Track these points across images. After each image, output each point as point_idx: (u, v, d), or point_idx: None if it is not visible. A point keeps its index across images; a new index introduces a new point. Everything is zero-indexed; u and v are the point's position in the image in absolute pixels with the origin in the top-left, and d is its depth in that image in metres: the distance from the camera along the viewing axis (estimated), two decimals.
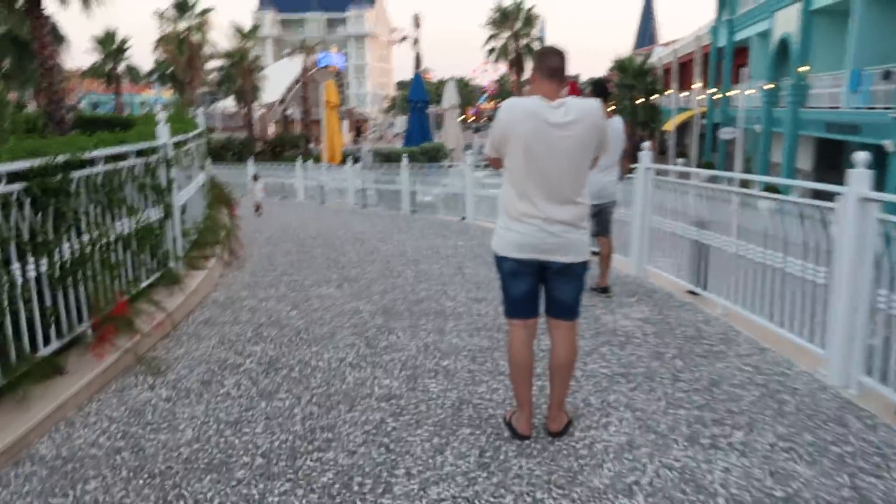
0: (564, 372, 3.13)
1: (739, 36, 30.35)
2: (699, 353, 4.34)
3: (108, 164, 4.24)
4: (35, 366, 3.33)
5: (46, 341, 3.51)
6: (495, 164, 3.11)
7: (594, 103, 2.96)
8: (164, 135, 5.33)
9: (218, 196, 8.90)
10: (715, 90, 33.17)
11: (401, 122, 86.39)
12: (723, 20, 31.97)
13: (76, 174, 3.82)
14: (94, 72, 34.63)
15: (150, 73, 39.09)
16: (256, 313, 5.17)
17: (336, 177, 19.14)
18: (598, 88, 5.83)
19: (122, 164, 4.44)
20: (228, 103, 49.88)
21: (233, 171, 23.73)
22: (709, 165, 32.20)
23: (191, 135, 6.65)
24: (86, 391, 3.49)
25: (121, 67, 35.44)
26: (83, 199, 3.91)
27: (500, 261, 3.07)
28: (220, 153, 33.08)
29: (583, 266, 3.06)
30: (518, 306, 3.09)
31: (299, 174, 20.11)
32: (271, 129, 50.03)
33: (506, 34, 31.68)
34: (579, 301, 3.13)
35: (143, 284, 4.74)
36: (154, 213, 5.01)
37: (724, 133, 28.33)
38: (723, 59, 31.73)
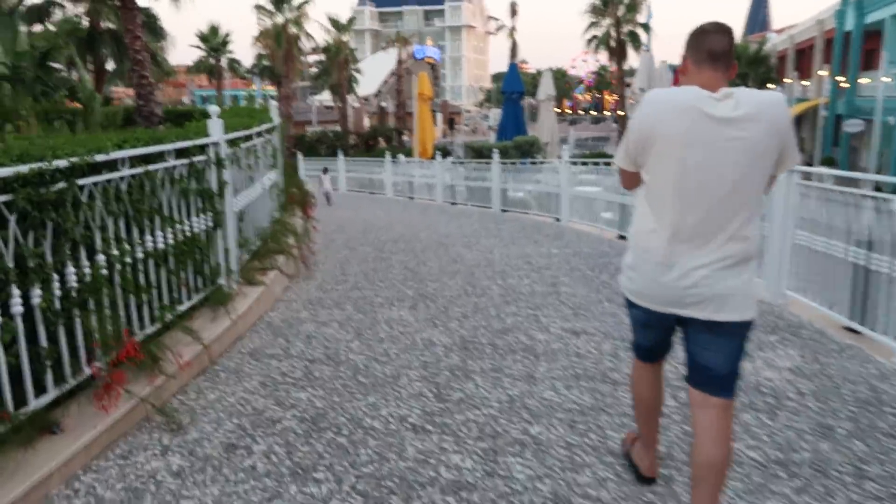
0: (714, 476, 2.20)
1: (871, 18, 27.18)
2: (885, 429, 3.17)
3: (135, 166, 3.56)
4: (19, 424, 2.66)
5: (41, 390, 2.85)
6: (630, 181, 2.33)
7: (777, 96, 2.10)
8: (216, 131, 4.64)
9: (293, 196, 8.29)
10: (841, 78, 30.04)
11: (494, 115, 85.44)
12: (851, 1, 28.79)
13: (88, 181, 3.14)
14: (198, 67, 35.74)
15: (252, 68, 40.02)
16: (312, 343, 4.39)
17: (425, 172, 18.44)
18: None
19: (156, 166, 3.76)
20: (325, 97, 50.57)
21: (320, 164, 23.57)
22: (829, 161, 29.21)
23: (255, 130, 5.99)
24: (82, 456, 2.79)
25: (223, 62, 36.43)
26: (98, 210, 3.23)
27: (629, 304, 2.40)
28: (314, 146, 33.35)
29: (747, 325, 2.17)
30: (646, 353, 2.54)
31: (388, 169, 19.56)
32: (366, 122, 50.31)
33: (607, 21, 29.90)
34: (738, 371, 2.23)
35: (183, 307, 4.06)
36: (200, 223, 4.33)
37: (850, 125, 25.47)
38: (850, 45, 28.58)
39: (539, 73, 59.91)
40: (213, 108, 4.72)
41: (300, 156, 24.23)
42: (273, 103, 8.12)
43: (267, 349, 4.25)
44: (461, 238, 9.48)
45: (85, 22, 17.50)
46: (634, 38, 29.42)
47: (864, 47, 28.34)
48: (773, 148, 2.05)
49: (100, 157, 3.19)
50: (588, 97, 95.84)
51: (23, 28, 11.89)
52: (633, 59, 30.31)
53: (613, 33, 29.89)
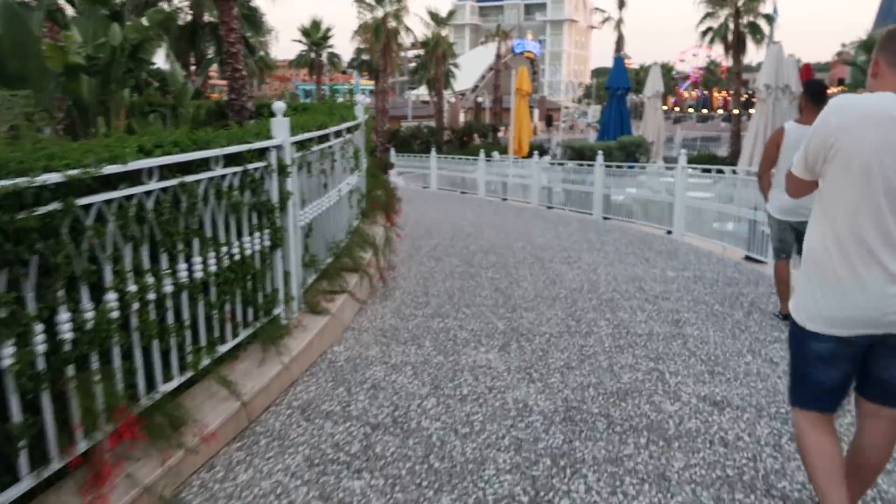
0: (873, 477, 2.33)
1: None
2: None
3: (168, 177, 2.85)
4: None
5: (13, 478, 2.17)
6: (799, 189, 2.25)
7: None
8: (280, 132, 3.92)
9: (376, 201, 7.57)
10: None
11: (593, 112, 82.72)
12: None
13: (98, 199, 2.44)
14: (299, 61, 36.21)
15: (351, 63, 40.25)
16: (378, 398, 3.56)
17: (520, 172, 17.45)
18: (814, 91, 4.77)
19: (195, 177, 3.05)
20: (421, 91, 50.38)
21: (412, 161, 23.06)
22: None
23: (333, 129, 5.25)
24: None
25: (324, 56, 36.75)
26: (111, 236, 2.53)
27: (807, 337, 2.18)
28: (407, 142, 33.02)
29: None
30: (823, 398, 2.24)
31: (481, 168, 18.68)
32: (462, 118, 49.71)
33: (725, 12, 27.59)
34: None
35: (226, 347, 3.34)
36: (254, 243, 3.61)
37: None
38: None
39: (643, 68, 57.35)
40: (279, 105, 3.99)
41: (392, 151, 23.75)
42: (360, 98, 7.42)
43: (323, 403, 3.46)
44: (560, 251, 8.46)
45: (188, 16, 17.71)
46: (755, 29, 26.94)
47: None
48: None
49: (111, 169, 2.48)
50: (695, 94, 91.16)
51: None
52: (751, 54, 27.93)
53: (731, 25, 27.56)
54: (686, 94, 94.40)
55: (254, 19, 17.24)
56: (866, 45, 25.04)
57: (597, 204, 12.59)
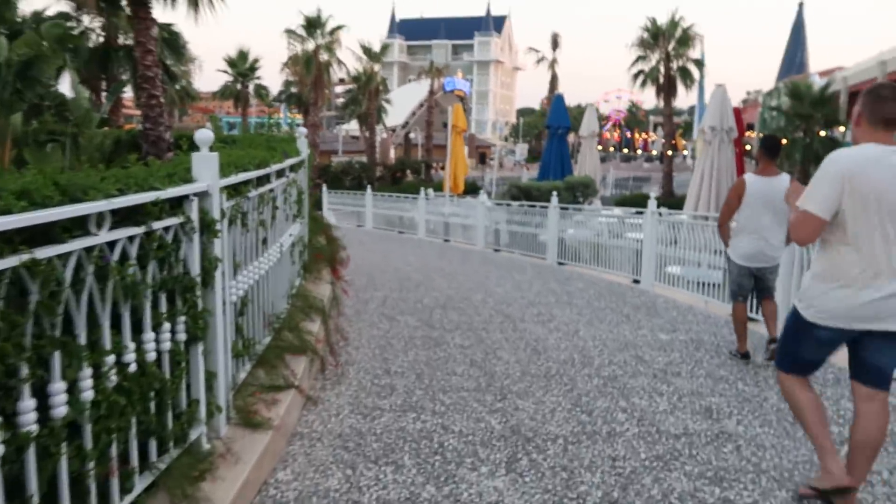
0: (874, 452, 2.77)
1: None
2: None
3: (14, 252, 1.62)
4: None
5: None
6: (813, 231, 2.69)
7: None
8: (206, 173, 2.72)
9: (321, 251, 6.36)
10: None
11: (521, 150, 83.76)
12: None
13: None
14: (224, 92, 34.44)
15: (279, 95, 38.76)
16: None
17: (463, 212, 16.52)
18: (770, 146, 5.21)
19: (60, 249, 1.83)
20: (351, 126, 49.35)
21: (345, 198, 21.84)
22: None
23: (276, 167, 4.06)
24: None
25: (251, 88, 35.14)
26: None
27: (813, 328, 2.78)
28: (339, 178, 31.78)
29: None
30: (810, 368, 2.98)
31: (421, 206, 17.65)
32: (393, 153, 48.83)
33: (656, 56, 28.04)
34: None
35: None
36: (163, 340, 2.38)
37: None
38: None
39: (577, 108, 58.58)
40: (203, 135, 2.79)
41: (324, 189, 22.45)
42: (302, 130, 6.25)
43: None
44: (527, 306, 7.46)
45: (101, 37, 16.06)
46: (685, 73, 27.47)
47: None
48: None
49: None
50: (616, 136, 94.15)
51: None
52: (682, 97, 28.46)
53: (662, 69, 28.01)
54: (608, 135, 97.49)
55: (175, 44, 15.70)
56: (794, 91, 25.84)
57: (551, 248, 11.75)
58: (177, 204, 2.54)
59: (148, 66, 10.81)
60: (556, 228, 11.66)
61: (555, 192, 11.98)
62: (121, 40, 15.82)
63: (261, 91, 35.07)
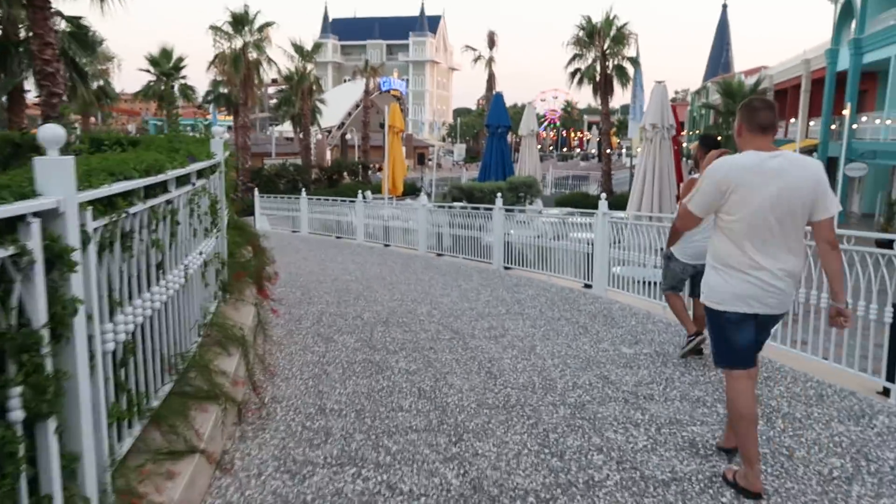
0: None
1: (870, 58, 25.96)
2: None
3: None
4: None
5: None
6: (692, 224, 3.18)
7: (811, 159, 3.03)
8: (56, 184, 1.99)
9: (245, 268, 5.57)
10: (833, 120, 28.83)
11: (458, 150, 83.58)
12: (847, 40, 27.64)
13: None
14: (146, 93, 32.55)
15: (207, 96, 37.05)
16: None
17: (403, 214, 15.83)
18: (710, 144, 5.42)
19: None
20: (285, 127, 47.88)
21: (281, 202, 20.77)
22: None
23: (176, 173, 3.30)
24: None
25: (176, 88, 33.38)
26: None
27: (721, 314, 3.06)
28: (272, 181, 30.53)
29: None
30: (748, 356, 3.10)
31: (359, 211, 16.85)
32: (329, 155, 47.59)
33: (592, 54, 28.01)
34: None
35: None
36: None
37: (853, 170, 23.90)
38: (845, 85, 27.29)
39: (515, 108, 58.60)
40: (49, 133, 2.04)
41: (256, 193, 21.33)
42: (218, 130, 5.45)
43: None
44: (477, 318, 6.87)
45: None
46: (622, 72, 27.55)
47: (861, 87, 27.12)
48: (810, 194, 2.91)
49: None
50: (553, 135, 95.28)
51: None
52: (618, 96, 28.58)
53: (599, 67, 28.01)
54: (544, 135, 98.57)
55: (83, 39, 14.30)
56: (727, 89, 26.31)
57: (497, 252, 11.22)
58: (7, 229, 1.80)
59: (47, 61, 9.68)
60: (502, 231, 11.13)
61: (499, 194, 11.43)
62: (23, 35, 14.38)
63: (187, 91, 33.34)
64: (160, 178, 3.05)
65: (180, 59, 32.80)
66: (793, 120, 33.81)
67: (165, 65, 32.27)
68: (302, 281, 9.55)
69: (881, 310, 4.53)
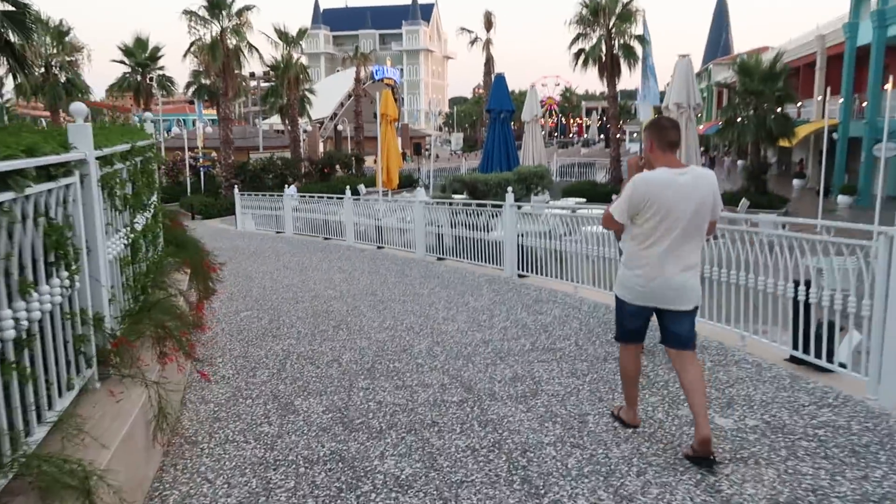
0: (701, 394, 3.40)
1: (893, 31, 24.00)
2: None
3: None
4: None
5: None
6: (612, 225, 3.55)
7: (708, 171, 3.49)
8: None
9: (160, 314, 3.72)
10: (856, 98, 26.95)
11: (456, 139, 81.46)
12: (867, 13, 25.68)
13: None
14: (121, 85, 30.54)
15: (188, 87, 35.01)
16: None
17: (398, 215, 13.95)
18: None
19: None
20: (275, 120, 45.88)
21: (265, 200, 18.84)
22: (850, 190, 25.88)
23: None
24: None
25: (154, 80, 31.39)
26: None
27: (625, 306, 3.60)
28: (258, 176, 28.57)
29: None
30: (633, 336, 3.70)
31: (348, 208, 14.93)
32: (322, 147, 45.58)
33: (598, 33, 26.05)
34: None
35: None
36: None
37: (886, 150, 22.00)
38: (868, 60, 25.35)
39: (514, 93, 56.62)
40: None
41: (236, 191, 19.40)
42: (148, 115, 3.60)
43: None
44: (494, 358, 5.06)
45: None
46: (629, 51, 25.58)
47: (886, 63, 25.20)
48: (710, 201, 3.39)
49: None
50: (552, 122, 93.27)
51: None
52: (626, 77, 26.63)
53: (604, 47, 26.05)
54: (543, 122, 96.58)
55: (19, 19, 12.11)
56: (744, 67, 24.39)
57: (508, 256, 9.37)
58: None
59: None
60: (515, 232, 9.28)
61: (510, 189, 9.54)
62: None
63: (165, 83, 31.32)
64: None
65: (157, 49, 30.81)
66: (808, 101, 31.95)
67: (141, 55, 30.29)
68: (274, 300, 7.72)
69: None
